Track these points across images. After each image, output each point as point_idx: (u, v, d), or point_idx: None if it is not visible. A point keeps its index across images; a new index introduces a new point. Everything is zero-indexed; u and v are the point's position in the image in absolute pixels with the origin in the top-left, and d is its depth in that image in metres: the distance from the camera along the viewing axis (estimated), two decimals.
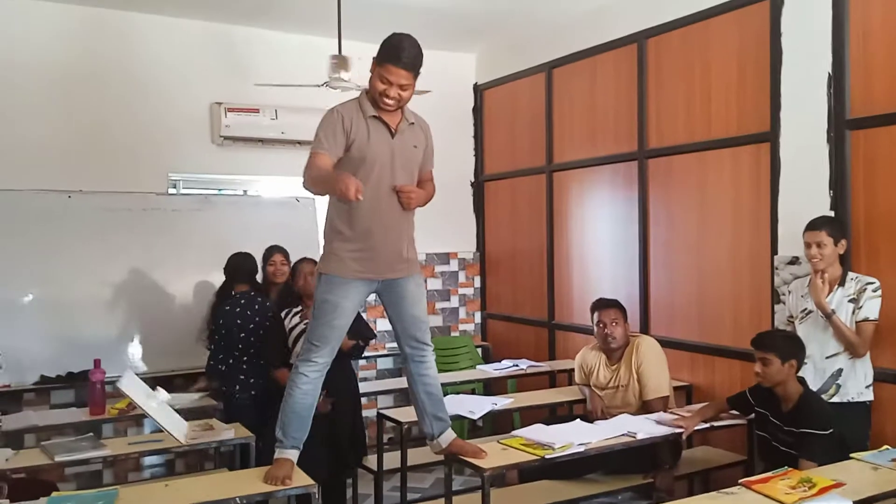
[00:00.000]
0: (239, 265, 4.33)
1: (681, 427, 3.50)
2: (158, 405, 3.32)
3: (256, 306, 4.18)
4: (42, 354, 4.65)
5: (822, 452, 3.09)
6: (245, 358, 4.13)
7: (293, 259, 4.38)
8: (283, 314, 4.10)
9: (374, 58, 2.93)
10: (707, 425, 3.60)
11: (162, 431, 3.34)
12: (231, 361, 4.13)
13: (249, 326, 4.13)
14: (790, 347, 3.28)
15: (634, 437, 3.34)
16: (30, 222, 4.73)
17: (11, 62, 4.79)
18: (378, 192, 2.93)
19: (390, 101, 2.90)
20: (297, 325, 4.04)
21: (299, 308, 4.11)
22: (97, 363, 3.93)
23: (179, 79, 5.26)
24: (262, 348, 4.09)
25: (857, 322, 3.42)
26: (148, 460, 4.99)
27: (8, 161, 4.74)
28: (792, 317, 3.69)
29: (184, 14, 5.17)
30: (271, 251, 4.53)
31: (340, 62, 4.48)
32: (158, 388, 3.40)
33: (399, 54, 2.85)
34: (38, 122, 4.85)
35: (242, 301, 4.19)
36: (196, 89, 5.31)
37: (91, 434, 3.45)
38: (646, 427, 3.46)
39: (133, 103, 5.13)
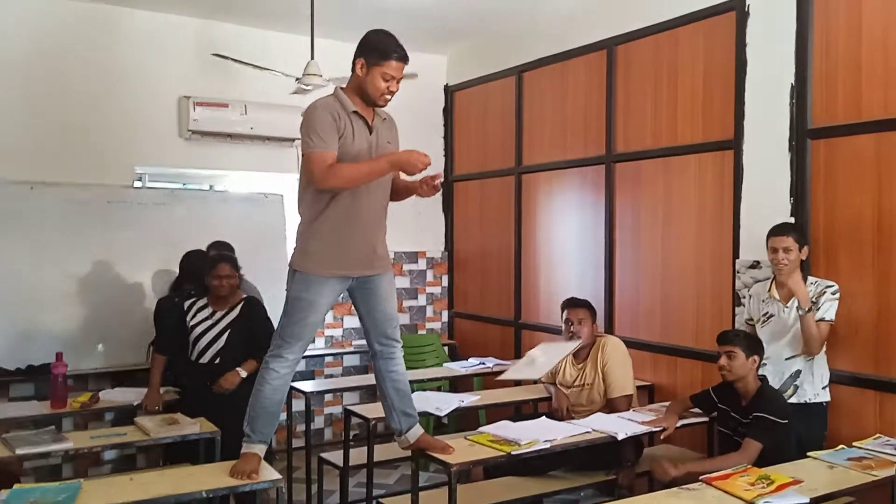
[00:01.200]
0: (190, 266, 4.31)
1: (662, 426, 3.57)
2: None
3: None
4: (1, 348, 4.57)
5: (771, 437, 3.21)
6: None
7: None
8: (185, 305, 4.02)
9: (364, 59, 2.91)
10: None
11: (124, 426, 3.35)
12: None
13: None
14: (753, 344, 3.44)
15: (615, 436, 3.39)
16: None
17: None
18: (358, 189, 2.93)
19: (390, 98, 2.94)
20: (200, 322, 3.97)
21: (205, 303, 4.01)
22: (59, 356, 3.89)
23: (148, 72, 5.20)
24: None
25: (816, 321, 3.52)
26: (108, 455, 4.93)
27: None
28: (751, 320, 3.79)
29: (154, 7, 5.12)
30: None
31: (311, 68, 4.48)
32: None
33: (396, 50, 2.91)
34: (2, 112, 4.75)
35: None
36: (165, 82, 5.26)
37: (52, 427, 3.40)
38: (624, 426, 3.51)
39: (100, 95, 5.06)
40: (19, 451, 3.08)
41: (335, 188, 2.87)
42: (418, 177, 2.97)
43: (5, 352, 4.59)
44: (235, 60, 4.71)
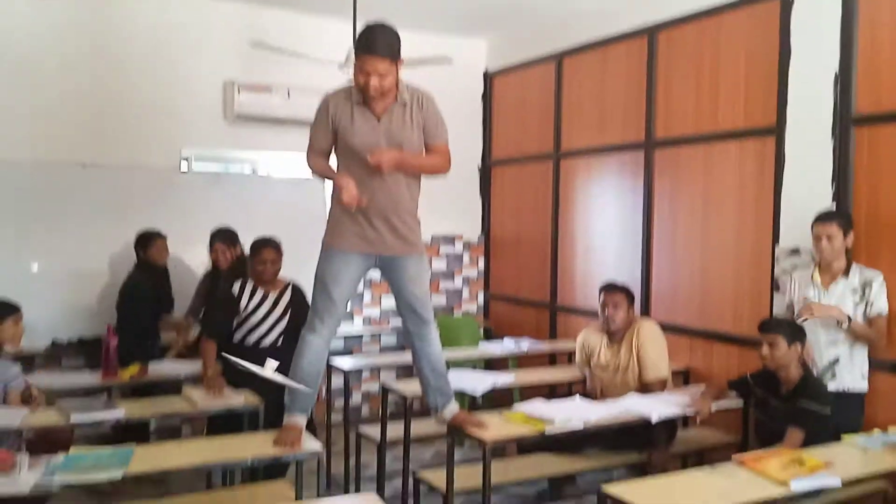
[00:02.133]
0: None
1: (696, 410, 3.59)
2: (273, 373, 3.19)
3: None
4: (54, 320, 4.77)
5: (813, 427, 3.21)
6: None
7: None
8: (236, 290, 4.04)
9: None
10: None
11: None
12: None
13: None
14: (795, 332, 3.40)
15: (649, 418, 3.43)
16: (44, 193, 4.82)
17: (30, 34, 4.85)
18: (369, 175, 2.97)
19: (372, 93, 2.91)
20: (257, 306, 4.01)
21: (254, 287, 4.04)
22: (110, 329, 4.03)
23: (194, 57, 5.33)
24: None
25: (870, 318, 3.53)
26: (153, 424, 5.08)
27: (23, 131, 4.83)
28: (792, 305, 3.77)
29: None
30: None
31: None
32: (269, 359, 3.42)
33: (371, 44, 2.86)
34: (54, 93, 4.92)
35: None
36: (210, 67, 5.38)
37: (105, 395, 3.55)
38: (658, 408, 3.54)
39: (149, 80, 5.20)
40: (73, 419, 3.22)
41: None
42: None
43: (59, 324, 4.78)
44: (276, 49, 4.79)
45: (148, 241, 4.66)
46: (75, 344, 4.80)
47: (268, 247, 4.08)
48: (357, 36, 2.94)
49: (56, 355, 4.80)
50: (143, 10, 5.18)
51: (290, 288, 4.12)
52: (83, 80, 5.01)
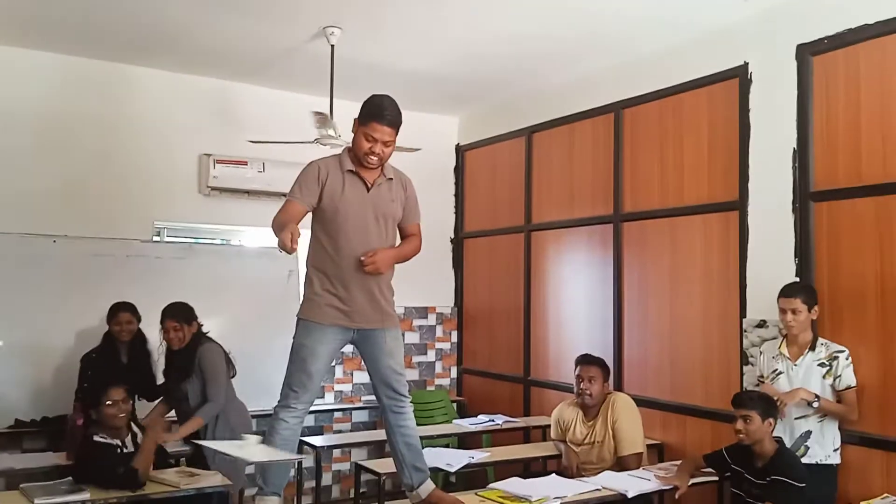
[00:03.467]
0: None
1: (674, 484, 3.59)
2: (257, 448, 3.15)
3: None
4: (16, 398, 4.64)
5: (789, 502, 3.20)
6: None
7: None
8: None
9: (356, 119, 3.09)
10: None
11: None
12: None
13: None
14: (769, 406, 3.43)
15: (625, 493, 3.42)
16: (14, 266, 4.76)
17: (0, 108, 4.87)
18: (353, 245, 3.04)
19: (374, 159, 3.04)
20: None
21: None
22: (77, 407, 3.95)
23: (169, 130, 5.39)
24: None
25: (839, 391, 3.58)
26: None
27: None
28: (762, 377, 3.83)
29: (176, 68, 5.33)
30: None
31: (322, 119, 4.60)
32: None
33: (383, 112, 3.01)
34: (28, 167, 4.92)
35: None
36: (186, 140, 5.44)
37: (70, 478, 3.44)
38: (635, 484, 3.53)
39: (123, 152, 5.24)
40: (37, 502, 3.11)
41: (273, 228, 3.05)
42: None
43: (22, 403, 4.65)
44: (273, 142, 4.87)
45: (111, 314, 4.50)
46: (38, 423, 4.66)
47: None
48: (372, 103, 3.05)
49: (17, 435, 4.65)
50: (118, 83, 5.24)
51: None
52: (55, 152, 5.02)
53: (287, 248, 2.81)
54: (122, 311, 4.43)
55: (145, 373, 4.44)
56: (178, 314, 4.19)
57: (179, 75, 5.41)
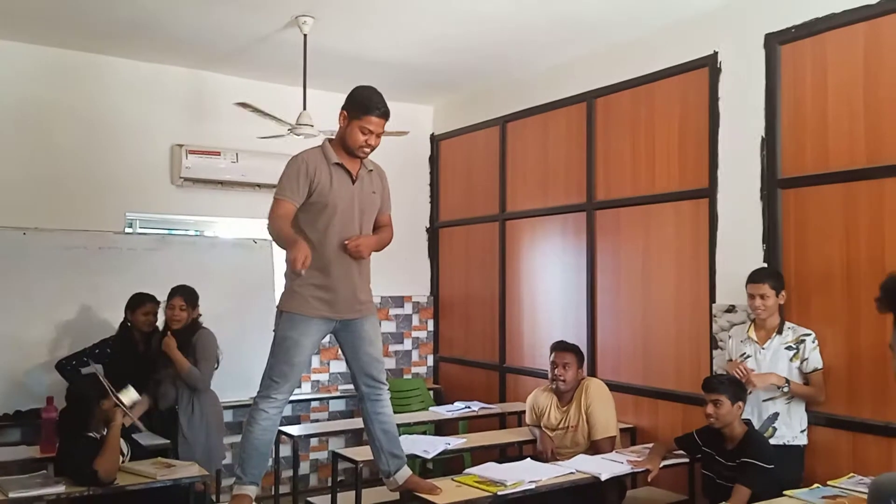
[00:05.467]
0: None
1: (646, 467, 3.66)
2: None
3: None
4: None
5: (760, 483, 3.29)
6: None
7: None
8: None
9: (346, 112, 3.11)
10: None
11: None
12: None
13: None
14: (738, 390, 3.52)
15: (598, 476, 3.48)
16: None
17: None
18: (340, 236, 3.07)
19: (368, 150, 3.10)
20: None
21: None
22: (50, 401, 3.92)
23: (141, 120, 5.33)
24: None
25: (807, 373, 3.67)
26: None
27: None
28: (731, 360, 3.90)
29: (148, 57, 5.27)
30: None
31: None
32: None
33: (377, 106, 3.07)
34: None
35: None
36: (158, 131, 5.38)
37: (45, 471, 3.43)
38: (608, 467, 3.60)
39: (94, 143, 5.18)
40: (12, 495, 3.09)
41: (270, 234, 3.09)
42: None
43: None
44: (259, 112, 4.82)
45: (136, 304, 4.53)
46: (11, 416, 4.62)
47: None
48: (363, 95, 3.09)
49: None
50: (88, 73, 5.17)
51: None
52: (24, 144, 4.96)
53: (297, 270, 2.84)
54: (149, 302, 4.48)
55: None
56: (188, 295, 4.35)
57: (150, 65, 5.36)
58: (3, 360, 4.69)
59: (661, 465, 3.76)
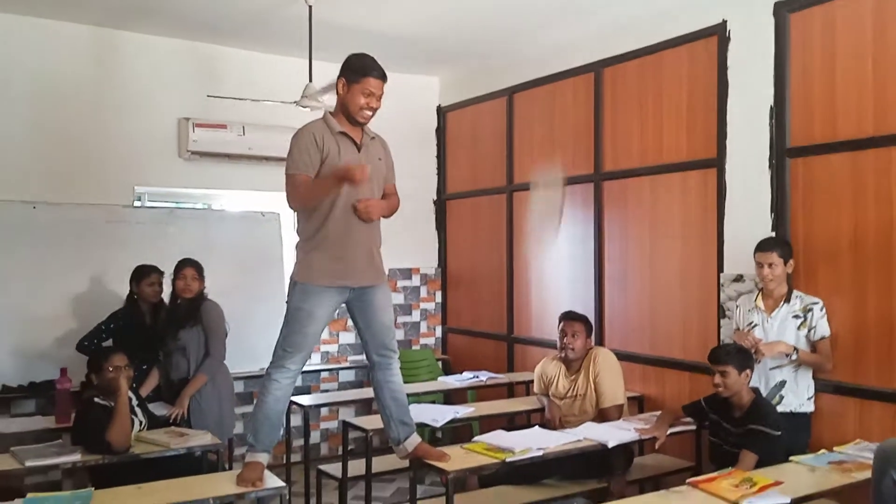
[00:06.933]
0: None
1: (653, 435, 3.71)
2: None
3: None
4: (4, 364, 4.65)
5: (766, 449, 3.33)
6: None
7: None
8: None
9: (344, 78, 3.11)
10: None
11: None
12: None
13: None
14: (745, 359, 3.53)
15: (606, 444, 3.52)
16: None
17: None
18: (349, 204, 3.08)
19: (369, 113, 3.11)
20: None
21: None
22: (63, 371, 3.98)
23: (148, 94, 5.32)
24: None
25: (814, 342, 3.68)
26: None
27: None
28: (739, 330, 3.92)
29: (154, 31, 5.25)
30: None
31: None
32: None
33: (374, 66, 3.09)
34: (7, 133, 4.86)
35: None
36: (164, 104, 5.38)
37: (60, 440, 3.49)
38: (615, 434, 3.64)
39: (102, 117, 5.18)
40: (28, 464, 3.16)
41: (297, 208, 3.12)
42: None
43: (8, 368, 4.66)
44: (231, 98, 4.83)
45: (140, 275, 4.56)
46: (26, 388, 4.69)
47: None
48: (358, 60, 3.10)
49: (5, 400, 4.68)
50: (95, 47, 5.16)
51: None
52: (33, 118, 4.96)
53: (364, 174, 2.91)
54: (154, 273, 4.51)
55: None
56: (198, 266, 4.38)
57: (157, 38, 5.33)
58: (17, 333, 4.74)
59: (668, 432, 3.80)
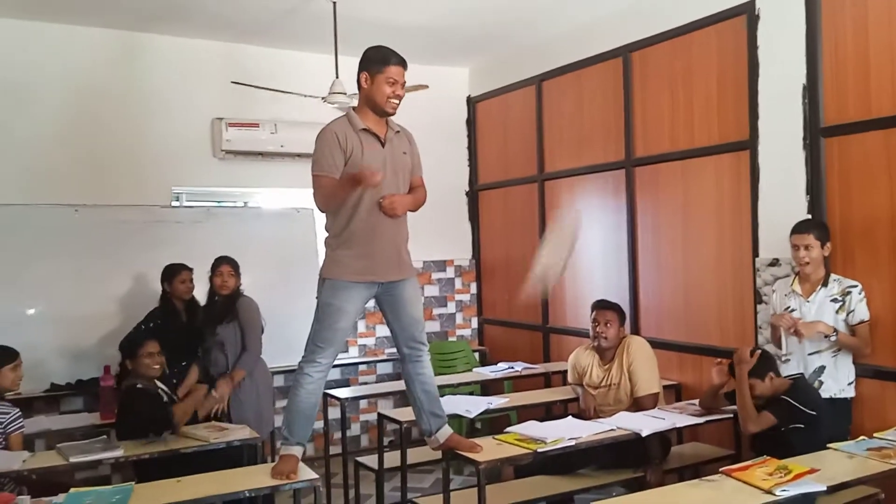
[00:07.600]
0: None
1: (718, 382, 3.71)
2: None
3: None
4: (51, 363, 4.81)
5: (786, 418, 3.30)
6: None
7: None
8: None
9: (366, 72, 3.13)
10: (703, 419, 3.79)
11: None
12: None
13: None
14: (766, 369, 3.49)
15: (639, 433, 3.49)
16: (38, 236, 4.88)
17: (21, 82, 4.96)
18: (375, 201, 3.11)
19: (397, 101, 3.13)
20: None
21: None
22: (107, 370, 4.11)
23: (182, 95, 5.44)
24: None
25: (853, 326, 3.60)
26: None
27: (17, 176, 4.92)
28: (776, 314, 3.84)
29: (183, 33, 5.35)
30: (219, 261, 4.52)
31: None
32: None
33: (394, 54, 3.12)
34: (47, 138, 5.02)
35: None
36: (198, 105, 5.48)
37: (104, 437, 3.60)
38: (649, 423, 3.61)
39: (136, 120, 5.30)
40: (72, 460, 3.27)
41: (322, 209, 3.15)
42: None
43: (56, 367, 4.82)
44: (255, 87, 4.89)
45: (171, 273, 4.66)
46: (73, 386, 4.85)
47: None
48: (377, 51, 3.13)
49: (54, 398, 4.84)
50: (130, 51, 5.28)
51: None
52: (71, 125, 5.11)
53: (378, 179, 2.94)
54: (184, 270, 4.61)
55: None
56: (234, 263, 4.48)
57: (188, 40, 5.44)
58: (63, 334, 4.89)
59: (705, 420, 3.75)
